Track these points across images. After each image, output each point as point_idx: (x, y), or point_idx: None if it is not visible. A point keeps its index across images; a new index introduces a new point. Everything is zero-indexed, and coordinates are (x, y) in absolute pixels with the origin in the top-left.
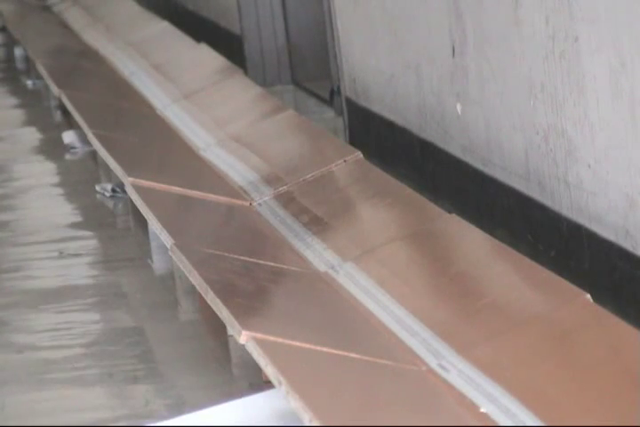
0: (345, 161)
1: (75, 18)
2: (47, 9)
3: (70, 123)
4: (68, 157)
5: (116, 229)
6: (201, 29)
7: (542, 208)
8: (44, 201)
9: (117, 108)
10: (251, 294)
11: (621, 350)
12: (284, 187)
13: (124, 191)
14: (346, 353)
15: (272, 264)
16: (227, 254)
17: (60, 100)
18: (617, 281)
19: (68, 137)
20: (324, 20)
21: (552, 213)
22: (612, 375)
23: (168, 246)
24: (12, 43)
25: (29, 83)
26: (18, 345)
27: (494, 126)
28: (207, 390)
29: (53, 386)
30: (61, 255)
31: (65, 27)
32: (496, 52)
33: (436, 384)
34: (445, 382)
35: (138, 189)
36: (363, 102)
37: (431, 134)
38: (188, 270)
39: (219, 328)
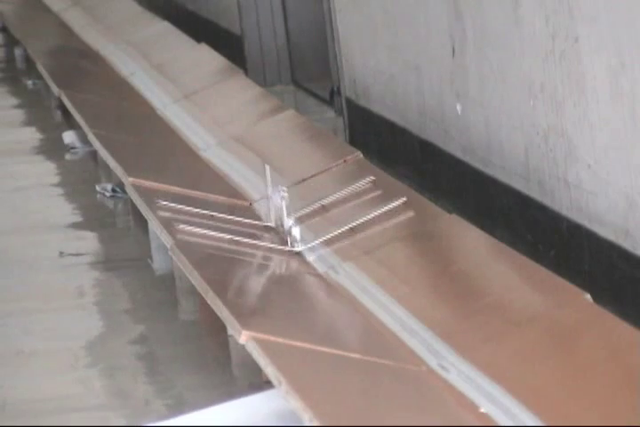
0: (345, 161)
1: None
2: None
3: (70, 123)
4: (68, 157)
5: (116, 229)
6: (201, 29)
7: (542, 208)
8: (44, 201)
9: (117, 108)
10: (251, 294)
11: (621, 350)
12: (284, 187)
13: (124, 191)
14: (346, 353)
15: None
16: (227, 255)
17: (60, 100)
18: (617, 281)
19: (68, 137)
20: (324, 20)
21: (552, 213)
22: (612, 375)
23: (168, 246)
24: (12, 43)
25: (29, 83)
26: (18, 347)
27: (494, 126)
28: (207, 390)
29: (54, 386)
30: (61, 255)
31: (65, 27)
32: (496, 52)
33: (436, 384)
34: (445, 382)
35: (138, 189)
36: (363, 102)
37: (431, 134)
38: (188, 270)
39: (219, 328)
